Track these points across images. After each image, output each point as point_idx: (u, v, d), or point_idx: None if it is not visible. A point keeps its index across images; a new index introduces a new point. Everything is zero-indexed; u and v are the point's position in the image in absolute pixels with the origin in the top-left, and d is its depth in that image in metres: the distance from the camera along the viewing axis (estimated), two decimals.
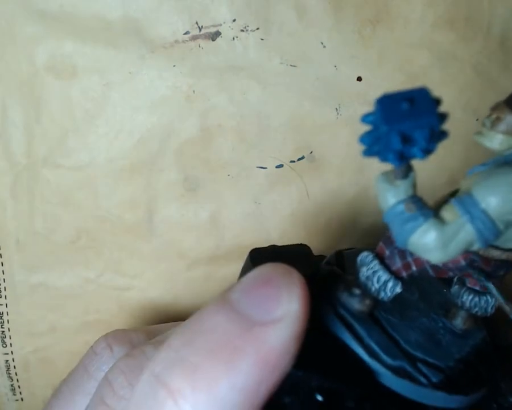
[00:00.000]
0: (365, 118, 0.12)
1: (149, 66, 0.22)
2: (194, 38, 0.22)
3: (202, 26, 0.22)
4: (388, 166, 0.13)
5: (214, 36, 0.22)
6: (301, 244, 0.18)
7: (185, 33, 0.22)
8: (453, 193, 0.15)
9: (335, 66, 0.22)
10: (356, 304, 0.15)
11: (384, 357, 0.15)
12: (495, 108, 0.14)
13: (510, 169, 0.13)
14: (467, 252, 0.14)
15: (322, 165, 0.24)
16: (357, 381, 0.14)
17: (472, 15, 0.22)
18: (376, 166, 0.25)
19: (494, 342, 0.17)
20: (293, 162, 0.24)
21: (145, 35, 0.22)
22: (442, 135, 0.12)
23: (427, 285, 0.17)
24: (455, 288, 0.16)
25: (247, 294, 0.13)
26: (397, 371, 0.15)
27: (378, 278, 0.15)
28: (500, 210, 0.13)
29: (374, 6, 0.22)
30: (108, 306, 0.26)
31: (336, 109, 0.23)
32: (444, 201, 0.15)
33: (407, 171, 0.13)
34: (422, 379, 0.15)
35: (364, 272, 0.15)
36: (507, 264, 0.15)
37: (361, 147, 0.13)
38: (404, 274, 0.15)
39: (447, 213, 0.13)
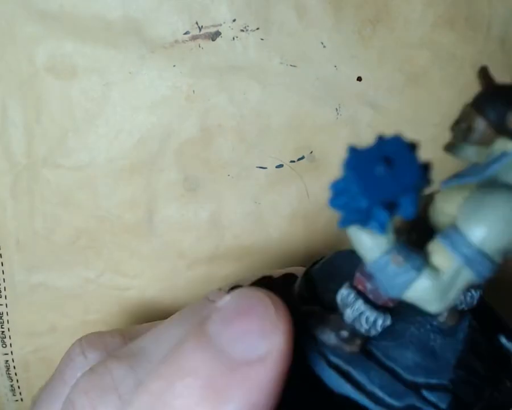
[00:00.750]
0: (335, 186, 0.10)
1: (149, 66, 0.22)
2: (194, 38, 0.22)
3: (202, 26, 0.22)
4: None
5: (214, 36, 0.22)
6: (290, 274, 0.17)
7: (185, 33, 0.22)
8: (427, 201, 0.14)
9: (335, 66, 0.22)
10: (347, 347, 0.14)
11: (391, 401, 0.14)
12: (464, 116, 0.13)
13: (502, 198, 0.12)
14: None
15: (322, 165, 0.24)
16: None
17: (472, 15, 0.22)
18: None
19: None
20: (293, 162, 0.24)
21: (145, 35, 0.22)
22: (427, 184, 0.10)
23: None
24: None
25: (227, 328, 0.12)
26: None
27: (366, 319, 0.13)
28: (497, 246, 0.12)
29: (374, 6, 0.22)
30: (108, 306, 0.26)
31: (336, 109, 0.23)
32: (421, 222, 0.14)
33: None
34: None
35: (349, 314, 0.14)
36: None
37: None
38: (391, 304, 0.14)
39: (439, 258, 0.12)
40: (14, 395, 0.27)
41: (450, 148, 0.13)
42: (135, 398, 0.12)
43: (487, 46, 0.22)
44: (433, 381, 0.14)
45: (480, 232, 0.12)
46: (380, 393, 0.13)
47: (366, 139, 0.24)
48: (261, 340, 0.12)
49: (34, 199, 0.24)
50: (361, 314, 0.13)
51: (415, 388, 0.14)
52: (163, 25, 0.22)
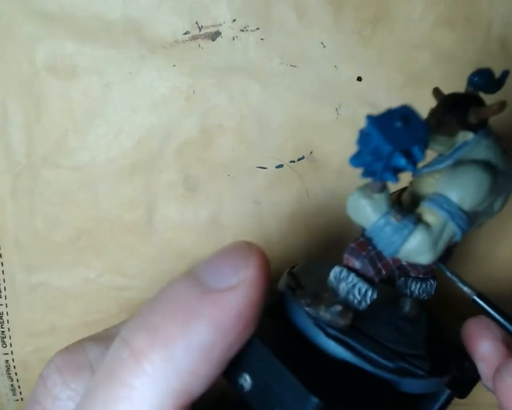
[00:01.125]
0: (359, 141, 0.13)
1: (149, 66, 0.22)
2: (194, 38, 0.22)
3: (202, 26, 0.22)
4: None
5: (214, 36, 0.22)
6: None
7: (185, 33, 0.22)
8: (401, 192, 0.17)
9: (335, 66, 0.22)
10: (341, 320, 0.15)
11: (385, 362, 0.15)
12: (434, 113, 0.16)
13: (471, 167, 0.15)
14: None
15: (322, 165, 0.24)
16: (383, 400, 0.15)
17: (472, 15, 0.22)
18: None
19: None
20: (293, 162, 0.24)
21: (145, 35, 0.22)
22: (427, 145, 0.13)
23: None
24: (401, 280, 0.18)
25: (208, 264, 0.14)
26: (399, 372, 0.15)
27: (358, 290, 0.15)
28: (472, 204, 0.15)
29: (374, 6, 0.22)
30: (108, 306, 0.26)
31: (336, 109, 0.23)
32: (396, 200, 0.16)
33: (384, 185, 0.14)
34: (419, 371, 0.16)
35: (344, 287, 0.16)
36: (450, 249, 0.17)
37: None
38: (376, 279, 0.16)
39: (428, 216, 0.15)
40: (14, 395, 0.27)
41: None
42: (128, 320, 0.14)
43: (487, 46, 0.22)
44: (413, 351, 0.16)
45: (459, 192, 0.15)
46: (374, 356, 0.15)
47: None
48: (233, 273, 0.14)
49: (35, 199, 0.24)
50: (354, 285, 0.15)
51: (401, 355, 0.16)
52: (163, 25, 0.22)
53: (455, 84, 0.23)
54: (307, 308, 0.16)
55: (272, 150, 0.23)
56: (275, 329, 0.16)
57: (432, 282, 0.18)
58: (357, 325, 0.16)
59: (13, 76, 0.22)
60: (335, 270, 0.16)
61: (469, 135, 0.16)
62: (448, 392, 0.18)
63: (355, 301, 0.16)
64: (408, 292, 0.18)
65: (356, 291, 0.15)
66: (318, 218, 0.24)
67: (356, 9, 0.22)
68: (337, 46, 0.22)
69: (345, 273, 0.16)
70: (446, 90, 0.23)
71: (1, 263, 0.25)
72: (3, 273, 0.25)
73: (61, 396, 0.15)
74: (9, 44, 0.22)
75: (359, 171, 0.13)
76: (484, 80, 0.16)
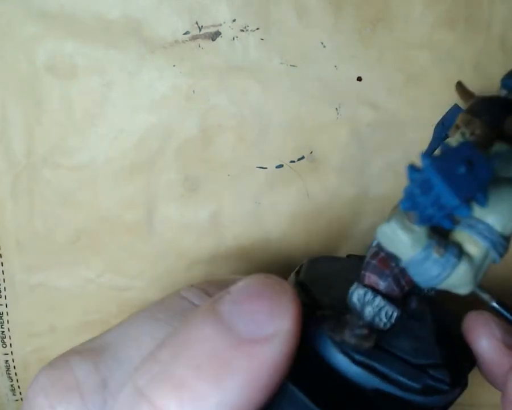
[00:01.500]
0: (416, 186, 0.12)
1: (149, 66, 0.22)
2: (194, 38, 0.22)
3: (202, 26, 0.22)
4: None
5: (214, 36, 0.22)
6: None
7: (185, 33, 0.22)
8: None
9: (335, 66, 0.22)
10: (366, 343, 0.15)
11: (412, 384, 0.15)
12: (469, 123, 0.15)
13: (508, 189, 0.14)
14: None
15: (322, 165, 0.24)
16: None
17: (472, 15, 0.22)
18: (376, 167, 0.25)
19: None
20: (293, 162, 0.24)
21: (145, 35, 0.22)
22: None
23: None
24: None
25: (237, 307, 0.12)
26: (426, 392, 0.15)
27: (385, 313, 0.15)
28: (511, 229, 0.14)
29: (374, 6, 0.22)
30: (108, 306, 0.26)
31: (336, 109, 0.23)
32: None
33: None
34: (443, 386, 0.15)
35: (370, 311, 0.15)
36: None
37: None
38: (400, 296, 0.15)
39: (469, 245, 0.14)
40: (14, 395, 0.27)
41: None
42: (140, 365, 0.12)
43: (487, 46, 0.22)
44: (431, 361, 0.16)
45: (500, 219, 0.14)
46: (402, 379, 0.15)
47: (366, 139, 0.25)
48: (269, 321, 0.12)
49: (35, 199, 0.24)
50: (381, 309, 0.15)
51: (423, 369, 0.15)
52: (163, 25, 0.22)
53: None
54: (331, 334, 0.15)
55: (272, 150, 0.23)
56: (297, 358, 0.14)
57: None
58: (381, 344, 0.15)
59: (13, 76, 0.22)
60: (359, 293, 0.15)
61: (504, 147, 0.14)
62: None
63: (382, 324, 0.15)
64: (416, 289, 0.17)
65: (383, 314, 0.15)
66: (318, 218, 0.24)
67: (356, 9, 0.22)
68: (337, 46, 0.22)
69: (370, 295, 0.15)
70: (446, 89, 0.23)
71: (1, 263, 0.25)
72: (3, 273, 0.25)
73: None
74: (9, 43, 0.21)
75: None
76: None
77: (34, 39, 0.21)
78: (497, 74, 0.23)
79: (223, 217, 0.24)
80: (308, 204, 0.24)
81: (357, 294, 0.15)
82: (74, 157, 0.23)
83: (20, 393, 0.27)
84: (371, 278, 0.15)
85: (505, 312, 0.16)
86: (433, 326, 0.17)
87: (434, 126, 0.18)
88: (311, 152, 0.23)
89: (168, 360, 0.12)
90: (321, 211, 0.24)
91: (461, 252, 0.14)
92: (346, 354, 0.15)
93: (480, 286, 0.16)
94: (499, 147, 0.14)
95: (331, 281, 0.16)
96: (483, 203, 0.12)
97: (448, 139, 0.15)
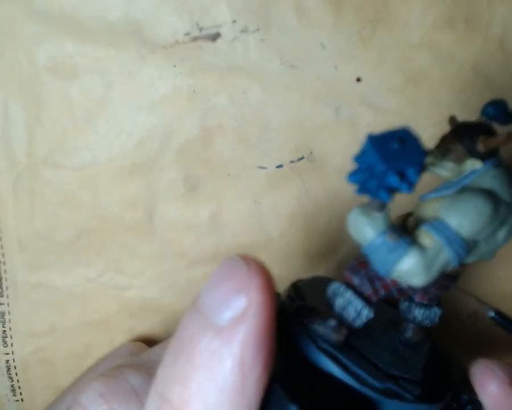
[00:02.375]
0: (357, 159, 0.13)
1: (150, 66, 0.22)
2: (195, 39, 0.22)
3: (202, 27, 0.22)
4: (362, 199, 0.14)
5: (215, 36, 0.22)
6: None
7: (186, 34, 0.22)
8: (407, 216, 0.17)
9: (335, 66, 0.22)
10: (334, 335, 0.16)
11: (373, 382, 0.15)
12: (444, 140, 0.16)
13: (473, 194, 0.15)
14: None
15: (322, 165, 0.24)
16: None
17: (472, 15, 0.22)
18: None
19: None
20: (293, 162, 0.24)
21: (146, 36, 0.22)
22: (423, 169, 0.13)
23: (377, 307, 0.18)
24: (405, 304, 0.18)
25: (209, 295, 0.13)
26: (387, 393, 0.15)
27: (354, 308, 0.16)
28: (471, 232, 0.15)
29: (374, 6, 0.22)
30: (108, 306, 0.26)
31: (336, 109, 0.23)
32: (400, 224, 0.16)
33: (383, 205, 0.14)
34: (408, 395, 0.16)
35: (340, 303, 0.16)
36: (456, 277, 0.16)
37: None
38: (374, 299, 0.16)
39: (425, 239, 0.15)
40: (14, 395, 0.27)
41: (431, 166, 0.16)
42: (157, 373, 0.13)
43: (487, 46, 0.22)
44: (406, 376, 0.16)
45: (457, 218, 0.15)
46: (363, 374, 0.15)
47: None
48: (237, 299, 0.13)
49: (35, 199, 0.24)
50: (350, 303, 0.16)
51: (393, 377, 0.16)
52: (163, 26, 0.22)
53: (455, 84, 0.23)
54: (303, 320, 0.16)
55: (272, 150, 0.23)
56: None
57: (437, 309, 0.18)
58: (353, 344, 0.16)
59: (14, 76, 0.22)
60: (334, 285, 0.16)
61: (477, 164, 0.16)
62: None
63: (350, 318, 0.16)
64: (411, 317, 0.18)
65: (351, 309, 0.16)
66: (318, 218, 0.24)
67: (356, 9, 0.22)
68: (337, 46, 0.22)
69: (343, 289, 0.16)
70: (446, 89, 0.23)
71: (3, 262, 0.25)
72: (5, 273, 0.25)
73: None
74: (10, 44, 0.22)
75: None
76: (498, 110, 0.16)
77: (35, 39, 0.22)
78: (497, 74, 0.23)
79: (223, 217, 0.24)
80: (308, 204, 0.24)
81: (332, 287, 0.16)
82: (74, 157, 0.23)
83: (21, 393, 0.27)
84: (347, 275, 0.16)
85: (503, 322, 0.16)
86: (427, 358, 0.17)
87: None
88: (311, 152, 0.24)
89: (172, 363, 0.13)
90: (321, 211, 0.24)
91: (414, 242, 0.15)
92: (312, 339, 0.16)
93: (479, 299, 0.17)
94: (472, 163, 0.16)
95: (324, 294, 0.17)
96: (413, 178, 0.13)
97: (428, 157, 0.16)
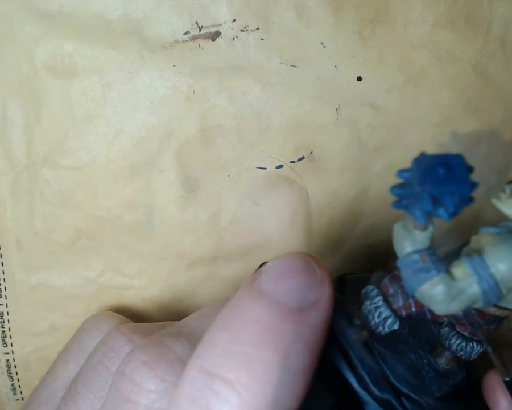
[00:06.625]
0: (401, 174, 0.13)
1: (149, 66, 0.22)
2: (194, 38, 0.22)
3: (202, 26, 0.22)
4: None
5: (214, 36, 0.22)
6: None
7: (185, 33, 0.22)
8: (464, 245, 0.16)
9: (335, 66, 0.22)
10: (354, 334, 0.16)
11: (373, 388, 0.16)
12: None
13: None
14: None
15: (322, 165, 0.24)
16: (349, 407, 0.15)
17: (472, 15, 0.22)
18: (376, 167, 0.25)
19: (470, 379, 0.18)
20: (293, 162, 0.24)
21: (145, 35, 0.22)
22: (470, 201, 0.13)
23: (419, 321, 0.18)
24: (445, 330, 0.17)
25: (279, 283, 0.14)
26: (383, 404, 0.16)
27: (379, 314, 0.16)
28: (507, 277, 0.14)
29: (374, 6, 0.22)
30: (108, 306, 0.26)
31: (336, 109, 0.23)
32: (456, 252, 0.16)
33: (426, 225, 0.14)
34: None
35: (367, 305, 0.16)
36: (499, 319, 0.16)
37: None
38: (403, 313, 0.16)
39: (457, 270, 0.15)
40: (15, 394, 0.27)
41: (498, 201, 0.16)
42: (199, 351, 0.13)
43: (487, 46, 0.22)
44: (414, 396, 0.16)
45: (497, 259, 0.14)
46: (366, 379, 0.16)
47: (366, 139, 0.25)
48: (310, 290, 0.14)
49: (34, 199, 0.24)
50: (377, 307, 0.16)
51: (397, 392, 0.16)
52: (163, 25, 0.22)
53: (456, 84, 0.23)
54: (334, 314, 0.16)
55: (272, 150, 0.23)
56: None
57: (475, 345, 0.17)
58: (372, 349, 0.16)
59: (13, 76, 0.22)
60: (369, 288, 0.16)
61: None
62: None
63: (373, 322, 0.16)
64: (447, 344, 0.17)
65: (377, 314, 0.16)
66: (318, 218, 0.24)
67: (356, 9, 0.22)
68: (337, 46, 0.22)
69: (374, 292, 0.16)
70: (446, 89, 0.23)
71: (1, 263, 0.25)
72: (3, 273, 0.25)
73: (157, 389, 0.15)
74: (9, 43, 0.21)
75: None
76: None
77: (34, 39, 0.21)
78: (497, 74, 0.23)
79: (223, 217, 0.24)
80: (308, 204, 0.24)
81: (366, 288, 0.16)
82: (74, 157, 0.23)
83: (21, 392, 0.27)
84: (385, 282, 0.16)
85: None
86: (451, 388, 0.17)
87: None
88: (311, 152, 0.23)
89: (228, 341, 0.13)
90: (321, 211, 0.24)
91: (445, 271, 0.14)
92: (331, 332, 0.16)
93: (500, 360, 0.17)
94: None
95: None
96: (450, 207, 0.12)
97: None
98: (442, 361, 0.17)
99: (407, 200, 0.13)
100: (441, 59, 0.22)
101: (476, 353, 0.17)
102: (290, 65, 0.22)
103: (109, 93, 0.22)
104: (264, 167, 0.24)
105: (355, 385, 0.15)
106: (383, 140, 0.23)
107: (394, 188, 0.13)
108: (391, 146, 0.23)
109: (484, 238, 0.15)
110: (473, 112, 0.23)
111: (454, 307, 0.14)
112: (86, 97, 0.22)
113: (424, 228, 0.14)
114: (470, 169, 0.12)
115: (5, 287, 0.25)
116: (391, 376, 0.16)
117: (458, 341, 0.17)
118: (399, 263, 0.15)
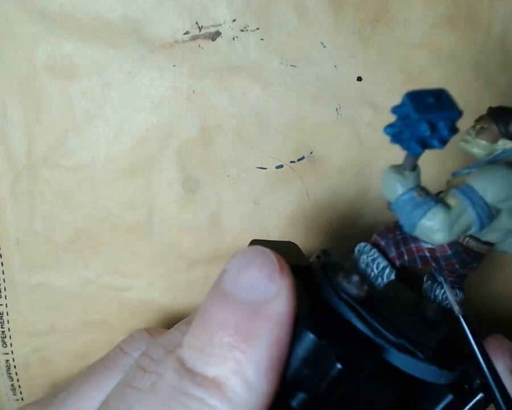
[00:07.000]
0: (395, 110, 0.14)
1: (149, 66, 0.22)
2: (194, 38, 0.22)
3: (202, 26, 0.22)
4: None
5: (214, 36, 0.22)
6: (289, 241, 0.20)
7: (185, 33, 0.22)
8: (438, 194, 0.17)
9: (335, 66, 0.22)
10: (355, 289, 0.16)
11: (387, 334, 0.16)
12: (479, 120, 0.17)
13: (501, 165, 0.16)
14: (453, 243, 0.16)
15: (322, 165, 0.24)
16: (371, 352, 0.16)
17: (472, 15, 0.22)
18: (376, 167, 0.25)
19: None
20: (293, 162, 0.24)
21: (145, 35, 0.22)
22: (456, 130, 0.14)
23: (400, 287, 0.20)
24: (427, 284, 0.19)
25: (239, 281, 0.14)
26: (399, 347, 0.16)
27: (377, 265, 0.16)
28: (495, 198, 0.15)
29: (374, 6, 0.22)
30: (108, 306, 0.26)
31: (336, 109, 0.23)
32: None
33: (415, 164, 0.15)
34: (420, 354, 0.16)
35: (364, 259, 0.17)
36: (480, 256, 0.17)
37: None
38: (397, 262, 0.17)
39: (451, 200, 0.16)
40: (14, 394, 0.27)
41: (465, 143, 0.17)
42: (180, 352, 0.14)
43: (487, 46, 0.22)
44: (421, 340, 0.17)
45: (483, 183, 0.16)
46: (378, 326, 0.16)
47: (366, 139, 0.25)
48: (271, 282, 0.14)
49: (34, 199, 0.24)
50: (374, 259, 0.16)
51: (408, 337, 0.16)
52: (163, 25, 0.22)
53: (455, 84, 0.23)
54: (328, 273, 0.17)
55: (272, 150, 0.23)
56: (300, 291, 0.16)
57: (458, 292, 0.18)
58: (374, 305, 0.17)
59: (13, 76, 0.22)
60: (361, 244, 0.17)
61: (509, 144, 0.17)
62: (450, 397, 0.18)
63: (372, 274, 0.16)
64: (432, 295, 0.18)
65: (374, 265, 0.16)
66: (318, 218, 0.24)
67: (356, 9, 0.22)
68: (337, 46, 0.22)
69: (369, 247, 0.17)
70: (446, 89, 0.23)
71: (1, 263, 0.25)
72: (3, 273, 0.25)
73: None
74: (9, 43, 0.21)
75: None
76: None
77: (34, 39, 0.21)
78: (497, 74, 0.23)
79: (223, 217, 0.24)
80: (308, 204, 0.24)
81: (358, 246, 0.17)
82: (74, 157, 0.23)
83: (21, 392, 0.27)
84: (374, 237, 0.17)
85: (466, 328, 0.17)
86: (443, 337, 0.18)
87: None
88: (311, 152, 0.23)
89: (202, 346, 0.14)
90: (321, 211, 0.24)
91: (441, 201, 0.15)
92: (335, 291, 0.17)
93: (455, 297, 0.17)
94: (503, 143, 0.17)
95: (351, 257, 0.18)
96: (444, 131, 0.13)
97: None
98: (429, 311, 0.18)
99: (401, 134, 0.14)
100: (441, 59, 0.22)
101: (460, 300, 0.18)
102: (290, 65, 0.22)
103: (109, 93, 0.22)
104: (264, 167, 0.24)
105: (369, 334, 0.16)
106: (383, 140, 0.23)
107: (388, 127, 0.14)
108: (391, 146, 0.23)
109: (461, 179, 0.17)
110: (473, 112, 0.23)
111: (454, 234, 0.15)
112: (86, 97, 0.22)
113: (413, 168, 0.15)
114: (453, 98, 0.13)
115: (5, 287, 0.25)
116: (399, 326, 0.16)
117: (442, 291, 0.18)
118: (394, 206, 0.16)
